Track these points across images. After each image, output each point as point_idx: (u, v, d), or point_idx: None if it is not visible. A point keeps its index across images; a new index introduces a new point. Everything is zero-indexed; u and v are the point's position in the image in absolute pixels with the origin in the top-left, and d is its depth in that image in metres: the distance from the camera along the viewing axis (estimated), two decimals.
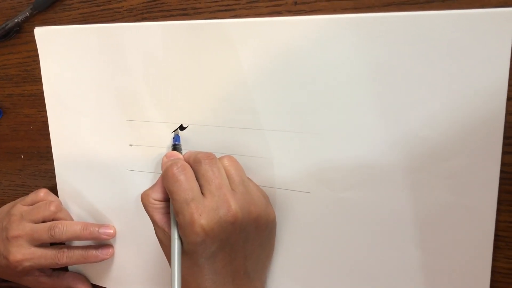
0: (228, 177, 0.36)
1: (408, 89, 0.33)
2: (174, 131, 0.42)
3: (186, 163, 0.37)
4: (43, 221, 0.47)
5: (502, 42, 0.30)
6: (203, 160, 0.36)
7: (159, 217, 0.37)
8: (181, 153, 0.40)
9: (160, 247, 0.38)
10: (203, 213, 0.34)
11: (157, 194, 0.38)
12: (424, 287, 0.36)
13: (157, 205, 0.37)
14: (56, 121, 0.49)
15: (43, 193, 0.50)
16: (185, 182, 0.35)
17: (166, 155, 0.39)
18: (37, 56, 0.48)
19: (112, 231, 0.47)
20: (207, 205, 0.34)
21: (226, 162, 0.37)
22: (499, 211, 0.33)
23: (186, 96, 0.41)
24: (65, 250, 0.47)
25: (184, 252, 0.35)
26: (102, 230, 0.47)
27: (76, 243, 0.50)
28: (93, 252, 0.47)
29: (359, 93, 0.35)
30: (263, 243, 0.38)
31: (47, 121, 0.49)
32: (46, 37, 0.47)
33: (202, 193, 0.35)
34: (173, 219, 0.36)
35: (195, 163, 0.37)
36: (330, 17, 0.35)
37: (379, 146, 0.35)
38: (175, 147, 0.41)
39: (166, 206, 0.38)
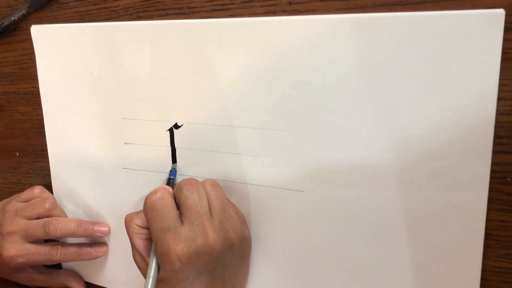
0: (209, 202, 0.37)
1: (400, 89, 0.33)
2: (169, 129, 0.43)
3: (166, 192, 0.37)
4: (38, 218, 0.47)
5: (493, 42, 0.31)
6: (184, 187, 0.37)
7: (138, 242, 0.38)
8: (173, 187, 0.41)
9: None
10: (180, 242, 0.34)
11: (140, 221, 0.38)
12: (415, 285, 0.36)
13: (138, 230, 0.38)
14: (51, 119, 0.49)
15: (38, 190, 0.50)
16: (163, 212, 0.35)
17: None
18: (33, 54, 0.48)
19: (106, 228, 0.47)
20: (184, 234, 0.34)
21: (208, 187, 0.38)
22: (489, 209, 0.33)
23: (181, 95, 0.41)
24: (59, 247, 0.47)
25: (161, 278, 0.35)
26: (96, 228, 0.47)
27: (70, 240, 0.50)
28: (87, 250, 0.47)
29: (352, 92, 0.35)
30: (240, 264, 0.39)
31: (43, 119, 0.49)
32: (42, 35, 0.47)
33: (182, 220, 0.36)
34: (153, 245, 0.37)
35: (176, 190, 0.37)
36: (324, 17, 0.35)
37: (372, 145, 0.35)
38: (169, 181, 0.42)
39: (147, 233, 0.38)
